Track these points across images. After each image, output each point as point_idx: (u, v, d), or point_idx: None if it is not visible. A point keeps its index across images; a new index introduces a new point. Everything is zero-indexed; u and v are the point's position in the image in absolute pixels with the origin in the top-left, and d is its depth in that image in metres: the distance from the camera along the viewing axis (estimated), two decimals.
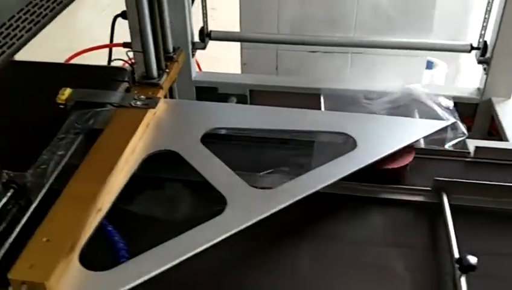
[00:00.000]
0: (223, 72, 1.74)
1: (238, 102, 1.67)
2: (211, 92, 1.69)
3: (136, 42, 1.59)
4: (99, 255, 0.84)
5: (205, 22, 1.61)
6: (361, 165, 0.98)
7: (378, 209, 1.00)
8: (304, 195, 0.91)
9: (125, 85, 1.40)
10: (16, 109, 1.27)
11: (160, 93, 1.15)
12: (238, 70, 1.87)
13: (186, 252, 0.80)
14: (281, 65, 1.85)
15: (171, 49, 1.27)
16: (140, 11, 1.09)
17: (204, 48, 1.64)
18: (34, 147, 1.14)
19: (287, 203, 0.90)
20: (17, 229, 0.87)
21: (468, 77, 2.36)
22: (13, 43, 1.04)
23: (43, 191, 0.95)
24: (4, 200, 0.94)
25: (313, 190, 0.92)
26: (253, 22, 1.76)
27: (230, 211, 0.88)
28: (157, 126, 1.08)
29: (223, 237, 0.83)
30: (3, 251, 0.83)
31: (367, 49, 1.69)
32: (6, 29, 1.01)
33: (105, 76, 1.45)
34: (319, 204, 0.97)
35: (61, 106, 1.10)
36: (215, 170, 0.96)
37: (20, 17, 1.06)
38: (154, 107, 1.09)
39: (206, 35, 1.62)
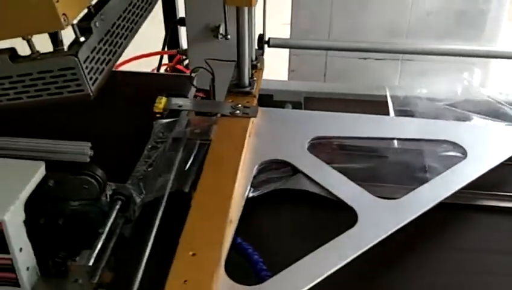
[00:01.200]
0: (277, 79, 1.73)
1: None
2: (265, 99, 1.67)
3: (194, 49, 1.60)
4: (236, 267, 0.82)
5: (264, 29, 1.59)
6: (476, 176, 0.97)
7: (489, 217, 1.00)
8: (429, 207, 0.90)
9: (193, 92, 1.38)
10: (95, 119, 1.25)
11: (255, 102, 1.13)
12: None
13: (331, 267, 0.79)
14: (329, 71, 1.84)
15: (254, 57, 1.25)
16: (241, 17, 1.07)
17: (261, 55, 1.62)
18: (117, 156, 1.12)
19: (416, 215, 0.89)
20: (148, 248, 0.85)
21: (498, 82, 2.38)
22: (116, 51, 1.01)
23: (162, 206, 0.92)
24: (114, 214, 0.92)
25: (437, 202, 0.92)
26: (304, 30, 1.75)
27: (364, 223, 0.86)
28: (258, 135, 1.06)
29: (363, 250, 0.82)
30: (141, 269, 0.81)
31: (417, 55, 1.69)
32: (110, 36, 0.99)
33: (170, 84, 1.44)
34: (433, 214, 0.96)
35: (158, 115, 1.09)
36: (334, 181, 0.95)
37: (120, 24, 1.03)
38: (255, 116, 1.07)
39: (264, 42, 1.60)
